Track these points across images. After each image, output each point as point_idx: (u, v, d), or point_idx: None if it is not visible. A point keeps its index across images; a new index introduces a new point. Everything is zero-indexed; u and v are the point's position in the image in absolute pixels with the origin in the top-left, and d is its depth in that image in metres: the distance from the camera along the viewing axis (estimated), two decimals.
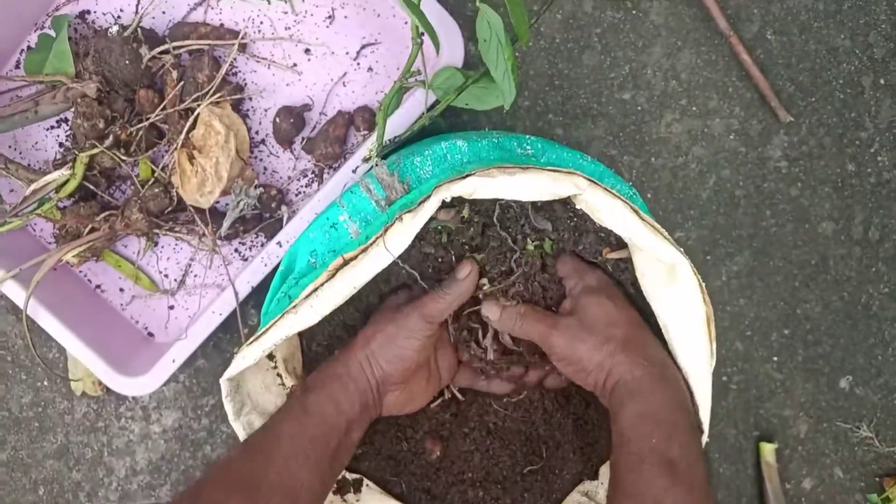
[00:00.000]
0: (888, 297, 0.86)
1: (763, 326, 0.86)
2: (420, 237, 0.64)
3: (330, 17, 0.78)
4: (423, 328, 0.63)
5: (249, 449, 0.62)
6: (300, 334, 0.71)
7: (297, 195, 0.81)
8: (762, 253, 0.85)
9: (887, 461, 0.89)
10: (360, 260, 0.60)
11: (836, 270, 0.85)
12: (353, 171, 0.71)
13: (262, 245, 0.81)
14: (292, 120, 0.76)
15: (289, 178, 0.80)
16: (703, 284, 0.64)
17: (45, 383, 0.88)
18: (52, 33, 0.76)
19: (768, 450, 0.87)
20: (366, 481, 0.71)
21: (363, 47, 0.78)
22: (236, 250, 0.81)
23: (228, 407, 0.65)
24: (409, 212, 0.60)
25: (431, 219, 0.61)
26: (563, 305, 0.67)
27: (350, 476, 0.71)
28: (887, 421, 0.88)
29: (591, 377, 0.63)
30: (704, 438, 0.66)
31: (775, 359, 0.87)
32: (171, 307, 0.83)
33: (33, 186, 0.75)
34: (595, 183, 0.59)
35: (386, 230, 0.60)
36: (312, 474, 0.60)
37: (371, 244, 0.60)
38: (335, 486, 0.70)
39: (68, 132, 0.79)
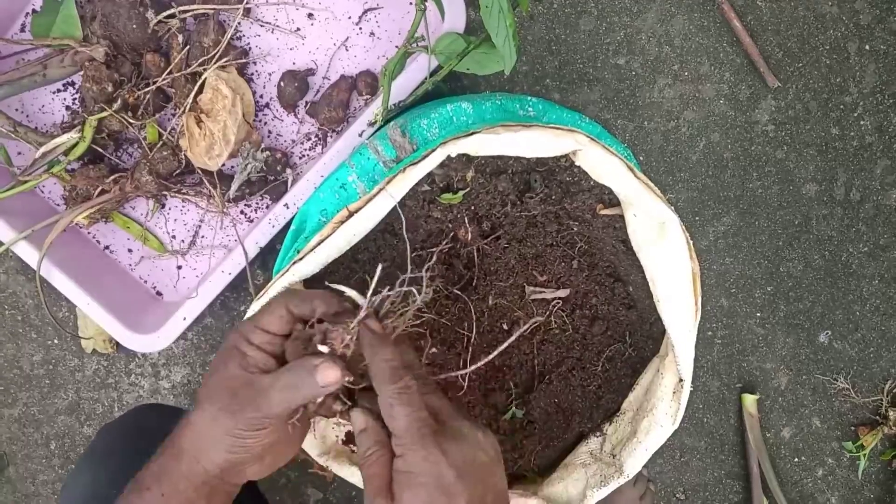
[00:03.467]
0: (867, 255, 0.89)
1: (747, 284, 0.90)
2: (429, 200, 0.66)
3: None
4: (264, 423, 0.50)
5: None
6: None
7: (300, 158, 0.83)
8: (748, 213, 0.88)
9: (862, 411, 0.93)
10: (362, 210, 0.62)
11: (818, 230, 0.89)
12: (360, 135, 0.73)
13: (267, 207, 0.83)
14: (296, 84, 0.78)
15: (293, 141, 0.82)
16: (692, 242, 0.67)
17: (56, 341, 0.91)
18: None
19: (750, 400, 0.91)
20: None
21: (365, 12, 0.80)
22: (242, 212, 0.83)
23: None
24: (414, 164, 0.62)
25: (432, 175, 0.63)
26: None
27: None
28: (863, 373, 0.92)
29: None
30: (687, 389, 0.69)
31: (758, 314, 0.91)
32: (180, 267, 0.85)
33: (43, 149, 0.76)
34: (595, 140, 0.62)
35: (389, 180, 0.62)
36: None
37: (374, 194, 0.62)
38: (345, 437, 0.73)
39: (75, 95, 0.81)
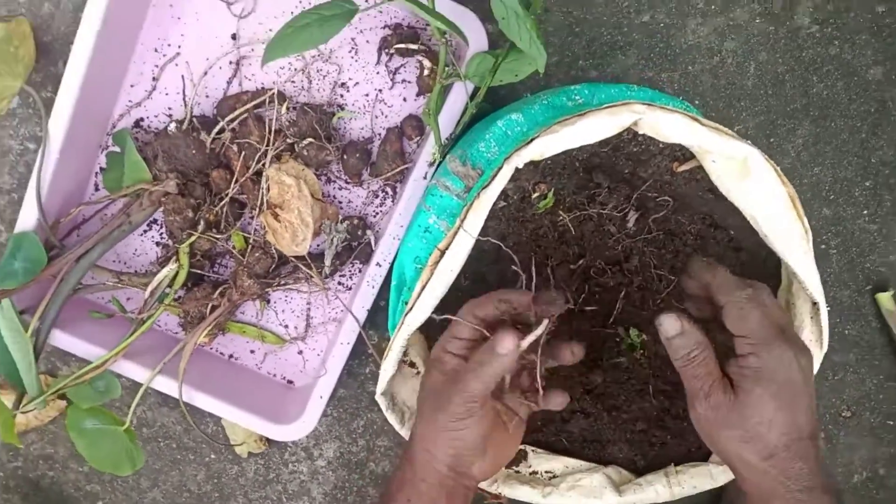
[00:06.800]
0: None
1: (844, 186, 0.87)
2: (521, 220, 0.68)
3: (353, 48, 0.81)
4: (469, 409, 0.59)
5: None
6: (426, 337, 0.76)
7: (375, 217, 0.85)
8: (821, 118, 0.86)
9: None
10: (451, 246, 0.64)
11: None
12: (424, 178, 0.76)
13: (360, 271, 0.86)
14: (358, 154, 0.81)
15: (363, 203, 0.85)
16: (778, 167, 0.66)
17: (213, 456, 0.96)
18: (117, 149, 0.82)
19: (886, 298, 0.89)
20: (529, 449, 0.76)
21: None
22: (339, 283, 0.87)
23: (392, 418, 0.71)
24: (486, 187, 0.63)
25: (504, 191, 0.64)
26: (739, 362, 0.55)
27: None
28: None
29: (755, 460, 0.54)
30: (825, 310, 0.68)
31: (865, 212, 0.88)
32: (301, 352, 0.89)
33: (150, 288, 0.82)
34: (651, 105, 0.62)
35: (467, 211, 0.64)
36: None
37: (457, 228, 0.64)
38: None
39: (161, 231, 0.86)
